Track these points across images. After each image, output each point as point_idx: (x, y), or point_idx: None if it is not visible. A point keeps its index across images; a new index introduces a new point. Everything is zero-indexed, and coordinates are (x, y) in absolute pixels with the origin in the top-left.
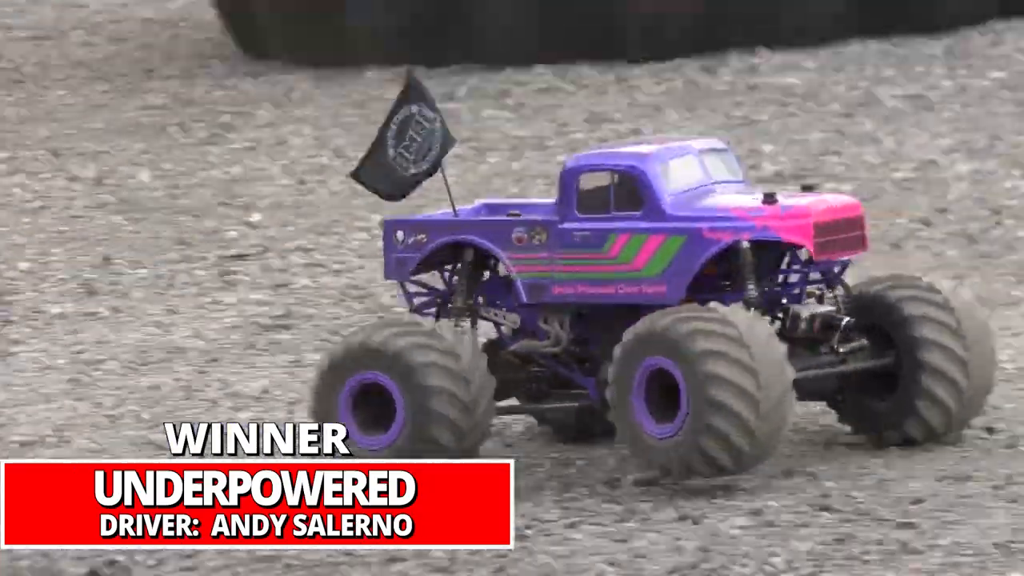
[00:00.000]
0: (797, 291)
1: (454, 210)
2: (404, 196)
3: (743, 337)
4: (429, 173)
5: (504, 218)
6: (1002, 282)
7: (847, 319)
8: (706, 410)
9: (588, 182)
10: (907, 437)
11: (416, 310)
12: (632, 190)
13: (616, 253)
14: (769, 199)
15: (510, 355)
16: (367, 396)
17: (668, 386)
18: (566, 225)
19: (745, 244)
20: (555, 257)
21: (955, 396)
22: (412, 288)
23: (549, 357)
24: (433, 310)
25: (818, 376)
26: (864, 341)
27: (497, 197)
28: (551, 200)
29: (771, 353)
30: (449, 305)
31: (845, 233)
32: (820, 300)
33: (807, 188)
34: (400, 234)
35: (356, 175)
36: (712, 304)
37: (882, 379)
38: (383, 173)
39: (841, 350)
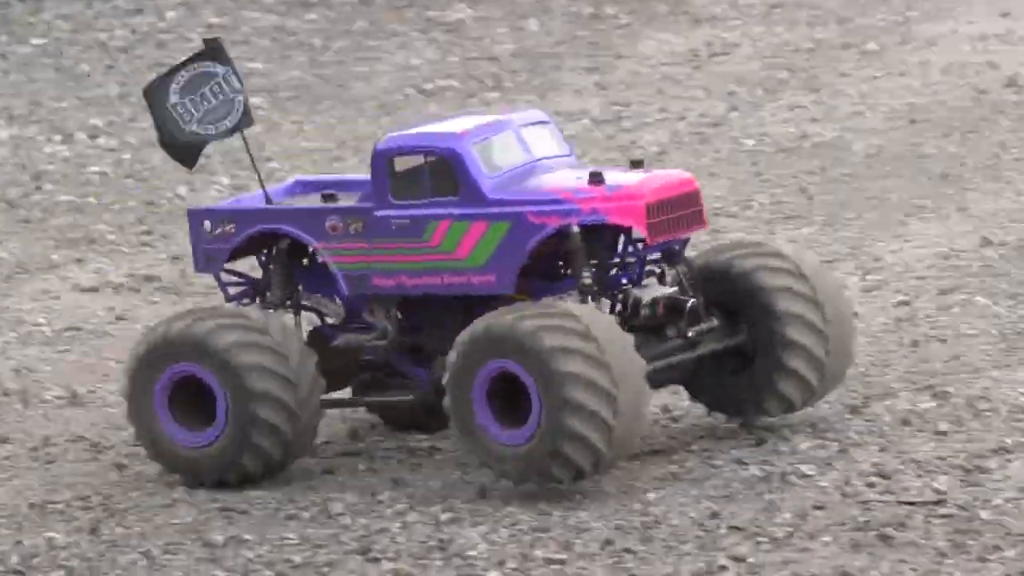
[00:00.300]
0: (636, 273)
1: (264, 190)
2: (183, 156)
3: (590, 331)
4: (205, 141)
5: (317, 206)
6: (41, 246)
7: (692, 300)
8: (563, 412)
9: (402, 165)
10: (765, 412)
11: (232, 300)
12: (448, 173)
13: (438, 242)
14: (596, 179)
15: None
16: (186, 387)
17: (510, 390)
18: (382, 213)
19: (575, 229)
20: (373, 247)
21: (816, 369)
22: (227, 277)
23: (377, 350)
24: (247, 301)
25: (671, 364)
26: (714, 321)
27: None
28: (367, 176)
29: (620, 345)
30: (267, 297)
31: (681, 211)
32: (661, 279)
33: (636, 164)
34: (207, 224)
35: (148, 94)
36: (547, 300)
37: (735, 355)
38: (163, 113)
39: (690, 334)
